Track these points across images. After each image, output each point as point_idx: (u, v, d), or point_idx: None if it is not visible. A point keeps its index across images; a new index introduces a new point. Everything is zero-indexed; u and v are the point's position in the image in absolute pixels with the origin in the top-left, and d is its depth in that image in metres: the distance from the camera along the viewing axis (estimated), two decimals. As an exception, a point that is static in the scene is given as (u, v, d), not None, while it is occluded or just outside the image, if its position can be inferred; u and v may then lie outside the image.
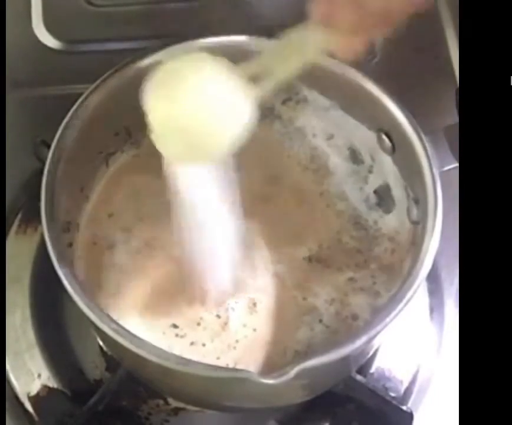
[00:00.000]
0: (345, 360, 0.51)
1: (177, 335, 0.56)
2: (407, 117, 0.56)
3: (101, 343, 0.61)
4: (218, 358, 0.56)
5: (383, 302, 0.57)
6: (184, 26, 0.76)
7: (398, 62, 0.76)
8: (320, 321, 0.57)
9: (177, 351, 0.54)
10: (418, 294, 0.52)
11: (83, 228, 0.60)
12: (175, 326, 0.57)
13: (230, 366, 0.55)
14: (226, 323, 0.57)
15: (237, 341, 0.56)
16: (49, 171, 0.54)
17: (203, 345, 0.56)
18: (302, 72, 0.60)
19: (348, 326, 0.57)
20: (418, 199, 0.57)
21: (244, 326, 0.57)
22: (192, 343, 0.56)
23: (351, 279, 0.59)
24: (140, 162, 0.63)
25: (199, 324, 0.57)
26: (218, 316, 0.57)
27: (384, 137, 0.59)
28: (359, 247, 0.61)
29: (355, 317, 0.58)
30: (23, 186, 0.67)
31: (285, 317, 0.57)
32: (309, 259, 0.60)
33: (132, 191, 0.62)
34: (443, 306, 0.65)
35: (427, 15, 0.80)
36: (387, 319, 0.50)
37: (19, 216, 0.66)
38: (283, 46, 0.49)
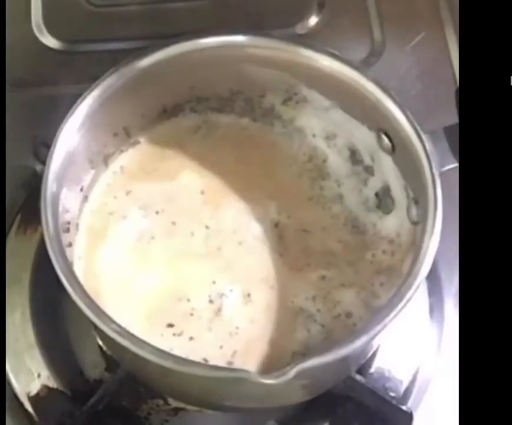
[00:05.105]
0: (345, 360, 0.51)
1: (174, 334, 0.56)
2: (407, 117, 0.56)
3: (101, 343, 0.61)
4: (221, 347, 0.56)
5: (381, 302, 0.57)
6: (184, 26, 0.76)
7: (398, 62, 0.76)
8: (315, 321, 0.57)
9: (178, 350, 0.54)
10: (418, 294, 0.52)
11: (82, 228, 0.60)
12: (171, 325, 0.57)
13: (232, 354, 0.55)
14: (219, 310, 0.57)
15: (237, 328, 0.57)
16: (49, 171, 0.54)
17: (202, 337, 0.56)
18: (303, 72, 0.60)
19: (343, 324, 0.57)
20: (418, 199, 0.57)
21: (239, 314, 0.57)
22: (191, 338, 0.56)
23: (323, 277, 0.59)
24: (139, 162, 0.63)
25: (192, 314, 0.57)
26: (211, 302, 0.57)
27: (384, 137, 0.59)
28: (344, 248, 0.61)
29: (349, 315, 0.58)
30: (23, 186, 0.67)
31: (279, 317, 0.57)
32: (281, 254, 0.60)
33: (131, 191, 0.62)
34: (443, 306, 0.65)
35: (428, 15, 0.80)
36: (387, 319, 0.50)
37: (19, 216, 0.66)
38: None
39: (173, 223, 0.60)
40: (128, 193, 0.61)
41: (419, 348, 0.63)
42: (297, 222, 0.61)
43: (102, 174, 0.62)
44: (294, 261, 0.60)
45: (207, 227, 0.60)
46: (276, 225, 0.61)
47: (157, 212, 0.61)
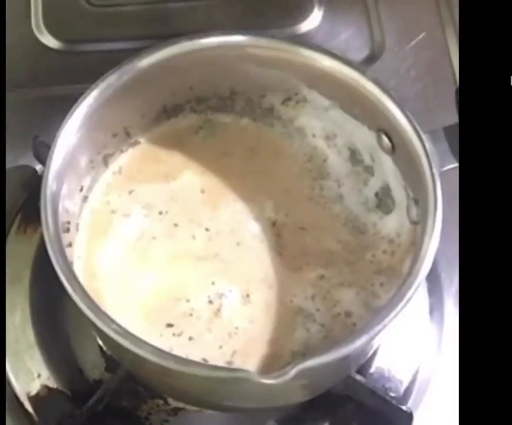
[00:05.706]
0: (345, 360, 0.51)
1: (174, 334, 0.56)
2: (407, 117, 0.56)
3: (100, 343, 0.61)
4: (221, 347, 0.56)
5: (381, 302, 0.57)
6: (184, 26, 0.76)
7: (398, 62, 0.76)
8: (314, 320, 0.57)
9: (177, 350, 0.54)
10: (418, 294, 0.52)
11: (82, 228, 0.60)
12: (170, 325, 0.57)
13: (231, 354, 0.55)
14: (218, 310, 0.57)
15: (236, 328, 0.57)
16: (49, 171, 0.54)
17: (202, 337, 0.56)
18: (303, 72, 0.60)
19: (343, 323, 0.57)
20: (418, 199, 0.57)
21: (238, 315, 0.57)
22: (190, 338, 0.56)
23: (322, 276, 0.59)
24: (139, 162, 0.63)
25: (191, 315, 0.57)
26: (210, 302, 0.57)
27: (384, 137, 0.59)
28: (344, 248, 0.61)
29: (348, 314, 0.58)
30: (23, 186, 0.67)
31: (278, 317, 0.57)
32: (280, 253, 0.60)
33: (133, 190, 0.62)
34: (443, 306, 0.65)
35: (428, 15, 0.80)
36: (387, 319, 0.50)
37: (19, 216, 0.66)
38: None
39: (175, 224, 0.60)
40: (130, 192, 0.61)
41: (419, 348, 0.63)
42: (296, 221, 0.61)
43: (102, 174, 0.62)
44: (293, 260, 0.60)
45: (207, 229, 0.60)
46: (274, 223, 0.61)
47: (160, 213, 0.61)
